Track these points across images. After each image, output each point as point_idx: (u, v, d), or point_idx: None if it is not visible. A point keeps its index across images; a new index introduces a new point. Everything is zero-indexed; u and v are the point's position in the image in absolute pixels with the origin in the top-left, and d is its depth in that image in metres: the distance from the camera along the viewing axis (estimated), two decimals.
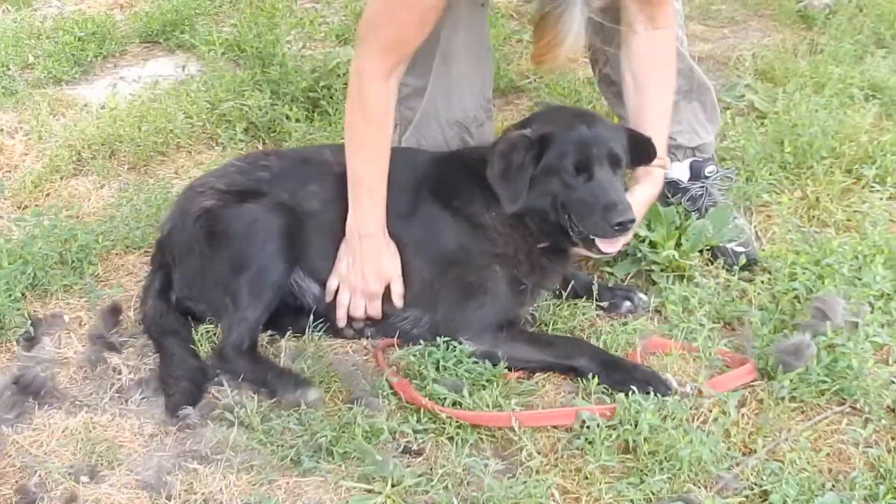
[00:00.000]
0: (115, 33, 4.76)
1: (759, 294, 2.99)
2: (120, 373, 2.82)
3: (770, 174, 3.51)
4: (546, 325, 2.96)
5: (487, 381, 2.70)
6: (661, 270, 3.09)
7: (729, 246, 3.15)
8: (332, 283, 2.93)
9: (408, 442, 2.54)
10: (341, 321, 2.93)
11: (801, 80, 4.07)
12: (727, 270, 3.10)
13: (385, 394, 2.67)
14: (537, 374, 2.77)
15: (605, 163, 2.76)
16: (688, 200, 3.33)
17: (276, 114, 3.92)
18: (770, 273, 3.06)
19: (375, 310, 2.92)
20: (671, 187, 3.33)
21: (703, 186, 3.34)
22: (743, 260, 3.08)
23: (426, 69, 3.18)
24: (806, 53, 4.42)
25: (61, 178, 3.70)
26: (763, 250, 3.18)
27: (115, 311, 3.00)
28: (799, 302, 2.92)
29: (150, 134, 3.86)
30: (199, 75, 4.37)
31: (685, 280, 3.06)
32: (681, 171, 3.37)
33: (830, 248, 3.05)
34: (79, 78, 4.47)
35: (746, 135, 3.70)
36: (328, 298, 2.94)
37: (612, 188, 2.74)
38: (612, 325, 2.93)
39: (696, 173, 3.37)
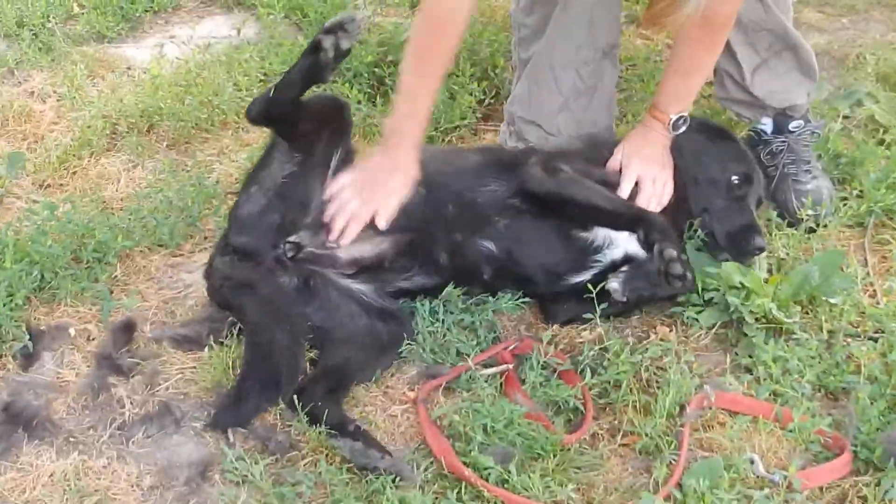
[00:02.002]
0: None
1: (869, 362, 2.56)
2: (123, 406, 2.49)
3: (889, 206, 3.08)
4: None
5: (543, 449, 2.32)
6: (756, 320, 2.66)
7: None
8: (344, 177, 2.77)
9: None
10: (329, 216, 2.72)
11: None
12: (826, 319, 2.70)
13: (422, 457, 2.32)
14: (600, 442, 2.39)
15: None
16: (767, 154, 3.25)
17: (334, 92, 3.51)
18: (884, 335, 2.63)
19: (358, 220, 2.71)
20: (756, 136, 3.30)
21: (784, 141, 3.24)
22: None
23: (548, 10, 3.11)
24: None
25: (91, 155, 3.38)
26: (877, 306, 2.75)
27: (127, 328, 2.68)
28: None
29: (194, 108, 3.51)
30: (257, 40, 4.00)
31: (782, 333, 2.65)
32: (766, 124, 3.29)
33: None
34: (125, 35, 4.12)
35: (865, 153, 3.25)
36: (331, 191, 2.75)
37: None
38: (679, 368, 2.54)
39: (779, 127, 3.27)
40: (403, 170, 2.74)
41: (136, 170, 3.33)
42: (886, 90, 3.72)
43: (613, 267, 2.76)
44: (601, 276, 2.73)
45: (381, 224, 2.70)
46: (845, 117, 3.53)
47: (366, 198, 2.71)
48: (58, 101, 3.64)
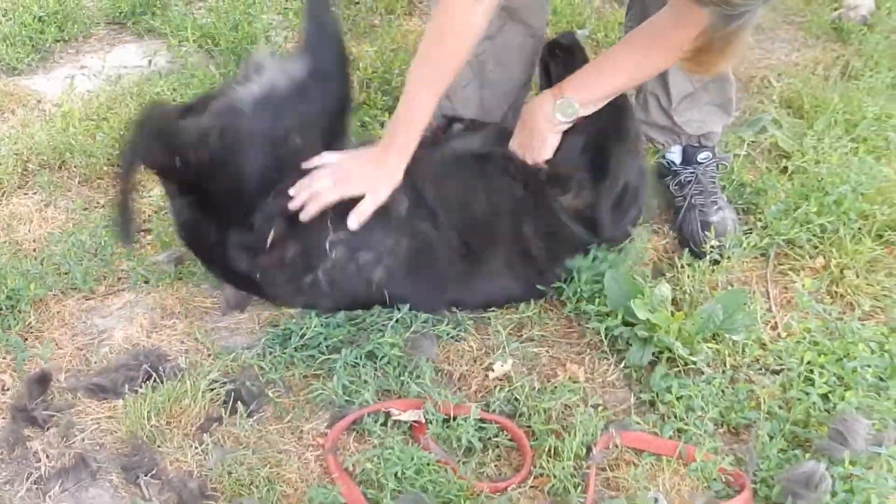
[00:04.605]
0: (79, 13, 4.34)
1: (770, 398, 2.63)
2: (39, 459, 2.47)
3: (792, 236, 3.16)
4: None
5: (455, 495, 2.35)
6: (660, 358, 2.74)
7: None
8: (328, 156, 2.74)
9: None
10: (295, 189, 2.69)
11: (832, 117, 3.68)
12: (730, 354, 2.77)
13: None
14: (511, 487, 2.43)
15: None
16: (675, 185, 3.30)
17: None
18: (782, 373, 2.71)
19: (319, 200, 2.68)
20: (664, 167, 3.35)
21: (693, 172, 3.27)
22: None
23: None
24: (838, 80, 4.02)
25: (2, 194, 3.34)
26: (778, 341, 2.83)
27: (42, 381, 2.65)
28: (818, 411, 2.57)
29: (105, 143, 3.49)
30: (168, 70, 3.99)
31: (687, 371, 2.71)
32: (675, 154, 3.34)
33: (854, 346, 2.71)
34: (35, 66, 4.08)
35: (768, 184, 3.34)
36: (311, 163, 2.72)
37: None
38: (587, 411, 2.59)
39: (688, 158, 3.32)
40: (389, 172, 2.73)
41: (48, 209, 3.29)
42: (790, 115, 3.80)
43: None
44: None
45: (354, 224, 2.70)
46: (750, 143, 3.60)
47: (339, 182, 2.69)
48: None
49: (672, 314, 2.75)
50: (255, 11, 4.18)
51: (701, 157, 3.29)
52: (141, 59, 4.12)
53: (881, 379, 2.65)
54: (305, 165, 2.71)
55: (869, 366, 2.66)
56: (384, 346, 2.71)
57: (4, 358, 2.74)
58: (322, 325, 2.77)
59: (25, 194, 3.38)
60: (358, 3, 4.50)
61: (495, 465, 2.50)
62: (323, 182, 2.68)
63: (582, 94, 2.82)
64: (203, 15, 4.33)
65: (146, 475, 2.43)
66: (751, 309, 2.86)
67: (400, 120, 2.75)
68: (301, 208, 2.68)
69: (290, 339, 2.76)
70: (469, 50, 2.69)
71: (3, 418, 2.58)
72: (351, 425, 2.57)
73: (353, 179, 2.70)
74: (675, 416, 2.58)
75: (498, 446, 2.53)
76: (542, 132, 2.87)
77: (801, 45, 4.38)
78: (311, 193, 2.68)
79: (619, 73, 2.84)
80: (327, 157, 2.74)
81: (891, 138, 3.61)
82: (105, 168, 3.45)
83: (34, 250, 3.10)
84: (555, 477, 2.42)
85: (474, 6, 2.60)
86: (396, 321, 2.78)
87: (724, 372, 2.72)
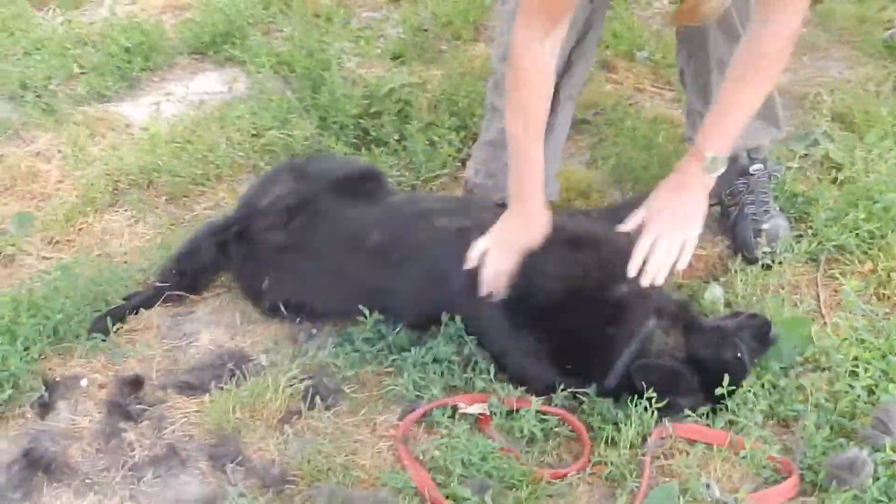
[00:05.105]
0: (163, 44, 4.60)
1: (816, 391, 2.76)
2: (133, 449, 2.68)
3: (841, 244, 3.28)
4: None
5: (518, 480, 2.52)
6: None
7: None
8: (481, 243, 2.84)
9: None
10: (484, 285, 2.82)
11: (883, 130, 3.80)
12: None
13: (408, 492, 2.50)
14: (571, 474, 2.59)
15: None
16: (728, 195, 3.43)
17: (321, 145, 3.74)
18: (830, 367, 2.84)
19: (498, 281, 2.82)
20: (718, 178, 3.19)
21: (745, 183, 3.40)
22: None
23: None
24: (889, 95, 4.14)
25: (96, 211, 3.57)
26: (825, 339, 2.95)
27: (136, 380, 2.87)
28: (862, 403, 2.70)
29: (190, 164, 3.71)
30: (247, 95, 4.22)
31: None
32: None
33: None
34: (123, 94, 4.33)
35: (818, 194, 3.47)
36: (471, 263, 2.83)
37: None
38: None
39: (741, 169, 3.41)
40: (536, 223, 2.81)
41: (138, 225, 3.51)
42: (842, 129, 3.91)
43: None
44: None
45: (493, 287, 2.82)
46: (802, 156, 3.71)
47: (502, 253, 2.81)
48: (62, 160, 3.83)
49: None
50: (329, 39, 4.41)
51: (753, 168, 3.41)
52: (221, 85, 4.37)
53: None
54: (468, 266, 2.83)
55: None
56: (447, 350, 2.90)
57: (100, 360, 2.95)
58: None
59: (116, 211, 3.60)
60: (427, 30, 4.71)
61: (556, 454, 2.67)
62: (493, 265, 2.81)
63: (721, 143, 2.79)
64: (279, 44, 4.57)
65: (232, 463, 2.63)
66: (802, 306, 3.01)
67: (513, 174, 2.82)
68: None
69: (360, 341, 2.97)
70: (547, 79, 2.76)
71: (99, 413, 2.79)
72: (421, 418, 2.76)
73: (502, 245, 2.81)
74: (727, 409, 2.71)
75: (559, 435, 2.70)
76: (697, 201, 2.83)
77: (854, 63, 4.51)
78: (493, 275, 2.82)
79: (742, 110, 2.80)
80: (481, 245, 2.84)
81: None
82: (189, 187, 3.68)
83: (126, 262, 3.31)
84: (612, 464, 2.58)
85: (538, 46, 2.68)
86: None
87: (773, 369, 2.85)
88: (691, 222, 2.80)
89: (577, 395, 2.76)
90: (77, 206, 3.57)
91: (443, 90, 4.08)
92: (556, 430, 2.70)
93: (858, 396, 2.71)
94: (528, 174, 2.80)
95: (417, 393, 2.80)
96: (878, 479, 2.47)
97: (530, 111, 2.74)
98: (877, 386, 2.74)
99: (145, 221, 3.55)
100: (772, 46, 2.69)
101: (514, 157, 2.80)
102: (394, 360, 2.90)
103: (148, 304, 3.12)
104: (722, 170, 2.80)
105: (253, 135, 3.88)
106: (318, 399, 2.79)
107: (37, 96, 4.21)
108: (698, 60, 3.25)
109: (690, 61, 3.30)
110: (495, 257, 2.80)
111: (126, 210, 3.60)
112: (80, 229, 3.50)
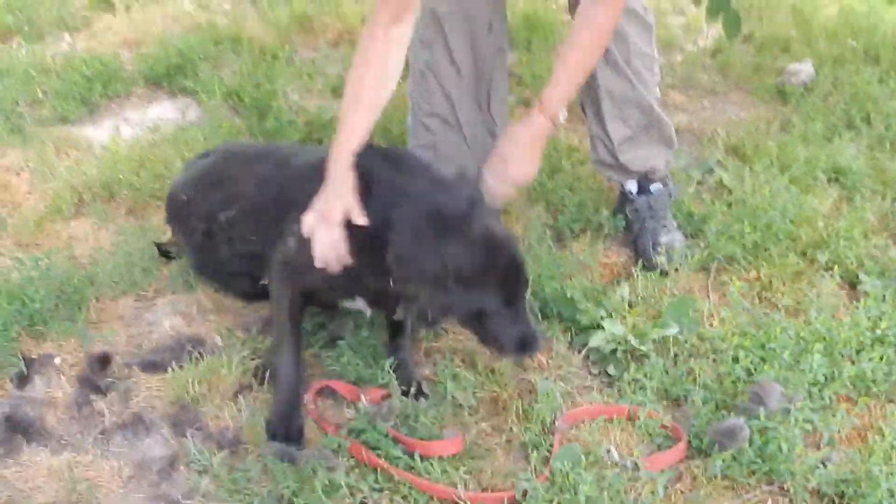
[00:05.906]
0: (121, 74, 4.94)
1: (703, 374, 3.15)
2: (104, 416, 2.99)
3: (729, 254, 3.69)
4: None
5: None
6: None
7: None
8: (309, 217, 2.88)
9: (364, 499, 2.71)
10: (318, 260, 2.88)
11: (770, 160, 4.26)
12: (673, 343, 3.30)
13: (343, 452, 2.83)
14: (489, 438, 2.95)
15: None
16: (632, 210, 3.82)
17: None
18: (716, 354, 3.24)
19: (336, 245, 2.84)
20: (623, 197, 3.87)
21: (646, 200, 3.80)
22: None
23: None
24: (777, 132, 4.61)
25: (62, 219, 3.87)
26: (711, 330, 3.34)
27: (104, 360, 3.18)
28: (742, 383, 3.09)
29: (148, 180, 4.03)
30: (199, 122, 4.57)
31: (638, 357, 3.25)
32: (632, 185, 3.85)
33: (775, 333, 3.21)
34: (84, 118, 4.66)
35: (711, 213, 3.88)
36: (304, 232, 2.88)
37: None
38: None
39: (642, 188, 3.84)
40: (348, 181, 2.84)
41: (101, 232, 3.81)
42: (735, 160, 4.36)
43: None
44: None
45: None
46: (699, 183, 4.16)
47: (328, 216, 2.85)
48: (31, 174, 4.14)
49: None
50: (273, 73, 4.79)
51: (653, 188, 3.83)
52: (175, 112, 4.74)
53: (796, 361, 3.15)
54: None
55: (786, 347, 3.16)
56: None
57: (72, 342, 3.26)
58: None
59: (82, 220, 3.91)
60: None
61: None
62: (322, 231, 2.85)
63: (562, 98, 3.22)
64: (229, 77, 4.94)
65: (191, 428, 2.96)
66: (694, 314, 3.39)
67: (337, 129, 2.95)
68: None
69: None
70: (381, 67, 2.95)
71: (72, 386, 3.10)
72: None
73: (329, 201, 2.86)
74: (629, 392, 3.10)
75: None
76: (540, 143, 3.26)
77: (749, 106, 4.99)
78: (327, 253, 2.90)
79: (580, 70, 3.25)
80: (308, 219, 2.87)
81: (818, 177, 4.18)
82: (148, 199, 4.01)
83: (90, 263, 3.62)
84: (525, 431, 2.96)
85: (382, 31, 2.92)
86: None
87: (667, 357, 3.25)
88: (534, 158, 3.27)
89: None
90: (45, 215, 3.87)
91: (376, 123, 4.42)
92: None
93: (739, 378, 3.10)
94: (342, 143, 2.89)
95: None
96: (752, 443, 2.84)
97: (357, 87, 2.94)
98: (755, 369, 3.12)
99: (107, 229, 3.84)
100: (604, 17, 3.18)
101: (340, 121, 2.95)
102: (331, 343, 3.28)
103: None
104: (562, 119, 3.24)
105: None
106: (267, 376, 3.12)
107: (6, 117, 4.54)
108: (592, 92, 3.68)
109: (587, 94, 3.71)
110: (321, 232, 2.85)
111: (90, 219, 3.90)
112: (48, 235, 3.80)
